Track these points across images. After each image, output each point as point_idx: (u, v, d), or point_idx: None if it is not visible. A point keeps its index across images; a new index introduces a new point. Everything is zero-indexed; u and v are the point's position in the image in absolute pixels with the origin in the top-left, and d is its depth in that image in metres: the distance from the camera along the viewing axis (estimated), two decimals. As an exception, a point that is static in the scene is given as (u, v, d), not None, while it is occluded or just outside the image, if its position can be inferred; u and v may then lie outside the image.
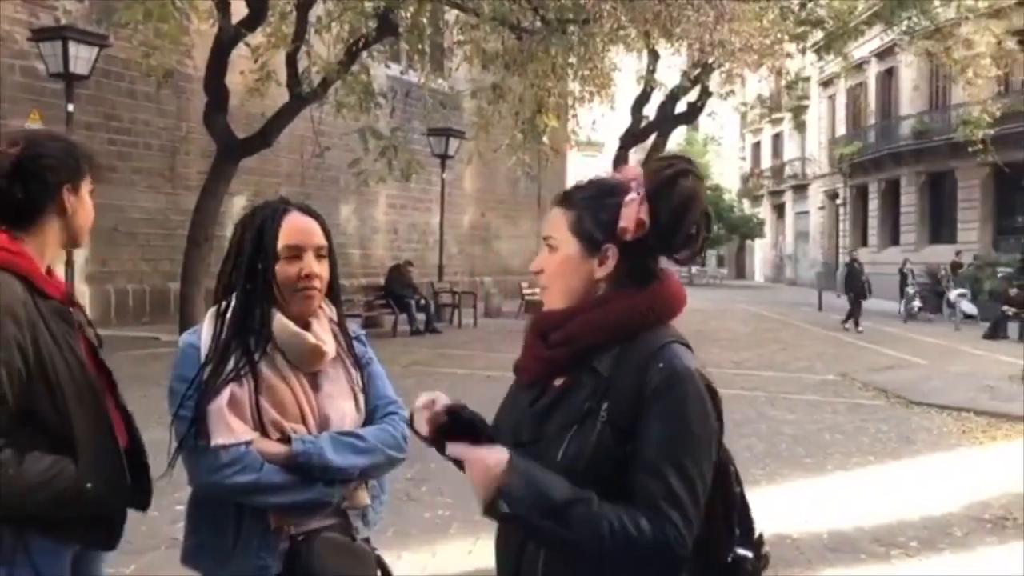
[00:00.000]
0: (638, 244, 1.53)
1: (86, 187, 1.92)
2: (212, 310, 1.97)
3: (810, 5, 19.44)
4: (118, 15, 10.96)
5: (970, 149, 19.11)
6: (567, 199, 1.61)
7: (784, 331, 18.22)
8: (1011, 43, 16.54)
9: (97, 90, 13.48)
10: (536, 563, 1.51)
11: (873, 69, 31.38)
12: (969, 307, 20.43)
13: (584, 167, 38.34)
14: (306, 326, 1.93)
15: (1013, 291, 18.77)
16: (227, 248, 1.98)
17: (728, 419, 1.58)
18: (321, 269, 1.94)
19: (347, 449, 1.89)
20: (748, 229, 44.28)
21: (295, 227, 1.92)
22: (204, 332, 1.94)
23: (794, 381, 11.11)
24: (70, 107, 11.51)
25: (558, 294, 1.59)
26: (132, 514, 2.04)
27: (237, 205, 15.77)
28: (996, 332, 17.29)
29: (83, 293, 12.82)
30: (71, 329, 1.87)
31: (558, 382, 1.57)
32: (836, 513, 5.45)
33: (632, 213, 1.51)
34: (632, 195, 1.53)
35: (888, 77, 30.87)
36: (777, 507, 5.33)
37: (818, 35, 21.12)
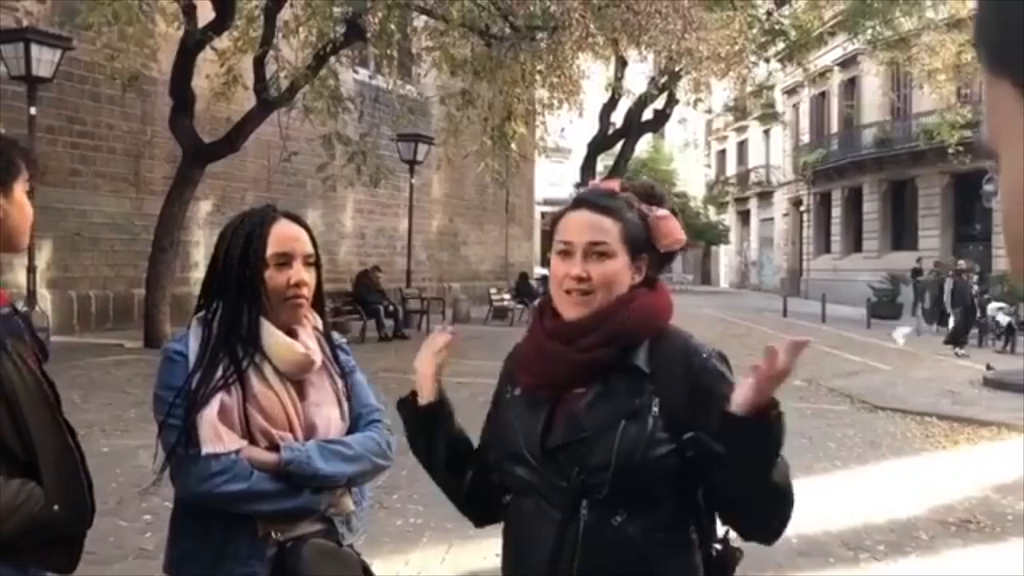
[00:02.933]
0: (657, 257, 1.66)
1: (20, 187, 1.82)
2: (197, 318, 1.95)
3: (775, 14, 19.70)
4: (82, 17, 10.82)
5: (949, 151, 19.47)
6: (605, 207, 1.63)
7: (750, 337, 18.36)
8: (969, 56, 16.84)
9: (60, 93, 13.27)
10: (572, 562, 1.53)
11: (836, 78, 31.82)
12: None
13: (552, 174, 38.52)
14: (292, 334, 1.93)
15: (975, 298, 19.10)
16: (212, 254, 1.97)
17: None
18: (309, 277, 1.93)
19: (334, 457, 1.90)
20: (713, 235, 44.66)
21: (284, 235, 1.91)
22: (191, 340, 1.92)
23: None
24: (32, 110, 11.31)
25: (600, 302, 1.59)
26: (99, 525, 2.01)
27: (203, 210, 15.61)
28: (956, 338, 17.56)
29: (44, 298, 12.59)
30: (19, 340, 1.80)
31: (579, 389, 1.60)
32: (805, 517, 5.46)
33: (676, 230, 1.65)
34: (664, 211, 1.66)
35: (851, 86, 31.32)
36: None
37: (782, 45, 21.40)
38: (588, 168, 21.15)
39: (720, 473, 1.49)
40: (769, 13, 19.55)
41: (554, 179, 38.24)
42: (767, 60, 21.95)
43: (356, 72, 17.16)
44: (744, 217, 45.74)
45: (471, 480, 1.75)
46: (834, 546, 5.01)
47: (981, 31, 0.36)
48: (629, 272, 1.61)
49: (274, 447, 1.86)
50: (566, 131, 17.52)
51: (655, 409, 1.54)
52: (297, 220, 1.98)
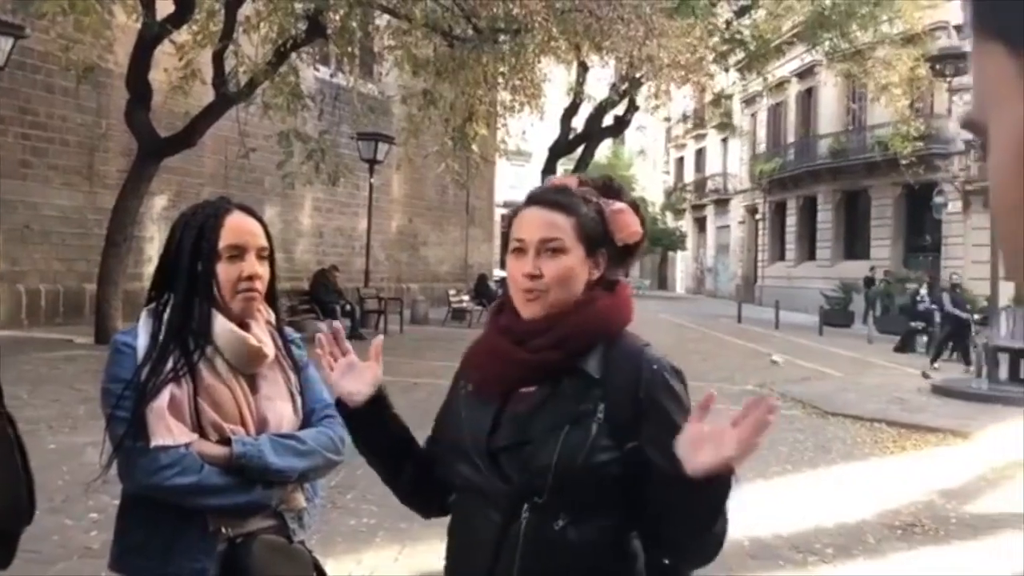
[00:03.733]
0: (615, 252, 1.63)
1: None
2: (147, 310, 1.93)
3: (735, 24, 19.95)
4: (36, 5, 10.59)
5: (902, 162, 19.85)
6: (559, 203, 1.61)
7: (705, 342, 18.56)
8: (923, 69, 17.22)
9: (11, 83, 12.98)
10: (512, 565, 1.51)
11: (794, 88, 32.31)
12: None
13: (513, 176, 38.57)
14: (245, 328, 1.91)
15: (922, 307, 19.51)
16: (164, 246, 1.94)
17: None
18: (262, 270, 1.92)
19: (286, 451, 1.88)
20: (671, 241, 45.07)
21: (237, 227, 1.89)
22: (140, 332, 1.90)
23: (715, 391, 11.32)
24: (-18, 99, 11.07)
25: (554, 300, 1.57)
26: (43, 523, 1.97)
27: (158, 205, 15.37)
28: (905, 346, 17.93)
29: (-9, 292, 12.32)
30: None
31: (526, 389, 1.59)
32: (756, 520, 5.56)
33: (633, 221, 1.62)
34: (620, 204, 1.63)
35: (808, 97, 31.82)
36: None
37: (742, 54, 21.68)
38: (549, 171, 21.21)
39: (657, 507, 1.47)
40: (729, 22, 19.80)
41: (515, 182, 38.32)
42: (726, 69, 22.22)
43: (317, 69, 17.02)
44: (701, 224, 46.22)
45: (414, 474, 1.73)
46: (784, 549, 5.08)
47: None
48: (585, 267, 1.59)
49: (225, 441, 1.83)
50: (527, 134, 17.55)
51: (600, 415, 1.52)
52: (251, 213, 1.96)
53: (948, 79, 15.60)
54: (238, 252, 1.88)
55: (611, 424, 1.51)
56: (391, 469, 1.76)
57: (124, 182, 12.66)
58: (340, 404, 1.72)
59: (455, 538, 1.66)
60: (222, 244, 1.87)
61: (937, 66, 15.89)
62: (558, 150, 21.59)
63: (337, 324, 1.79)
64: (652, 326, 21.80)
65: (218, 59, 11.95)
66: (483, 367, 1.65)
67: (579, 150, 22.11)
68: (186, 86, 11.79)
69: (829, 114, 29.87)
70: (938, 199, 20.89)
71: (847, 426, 9.27)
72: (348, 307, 16.19)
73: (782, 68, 28.68)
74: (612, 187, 1.69)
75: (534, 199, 1.64)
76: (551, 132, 21.48)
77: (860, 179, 28.12)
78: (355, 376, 1.72)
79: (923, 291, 18.40)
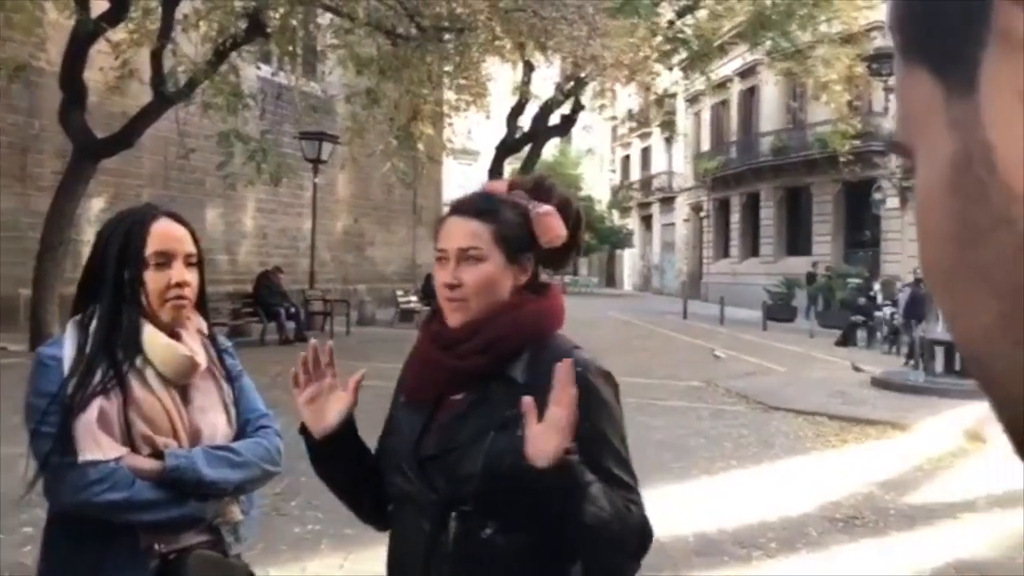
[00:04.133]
0: (543, 254, 1.63)
1: None
2: (72, 321, 1.88)
3: (678, 23, 20.13)
4: (-37, 3, 10.28)
5: (841, 160, 20.24)
6: (476, 210, 1.61)
7: (651, 339, 18.74)
8: (861, 68, 17.57)
9: (-62, 82, 12.57)
10: (442, 574, 1.51)
11: (736, 87, 32.76)
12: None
13: (460, 175, 38.48)
14: (175, 337, 1.87)
15: (861, 301, 19.95)
16: (89, 255, 1.89)
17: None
18: (191, 277, 1.88)
19: (221, 463, 1.84)
20: (618, 239, 45.42)
21: (165, 233, 1.86)
22: (66, 344, 1.84)
23: (661, 387, 11.43)
24: (-93, 99, 10.70)
25: (476, 307, 1.57)
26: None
27: (95, 207, 15.01)
28: (847, 340, 18.30)
29: (-80, 299, 11.91)
30: None
31: (456, 396, 1.58)
32: (701, 516, 5.62)
33: (556, 224, 1.60)
34: (546, 207, 1.61)
35: (750, 95, 32.29)
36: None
37: (684, 53, 21.89)
38: (496, 171, 21.21)
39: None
40: (671, 22, 19.97)
41: (463, 181, 38.15)
42: (670, 68, 22.42)
43: (259, 68, 16.79)
44: (647, 222, 46.65)
45: (375, 498, 1.71)
46: (728, 544, 5.14)
47: (896, 14, 0.34)
48: (509, 273, 1.59)
49: (157, 455, 1.79)
50: (474, 133, 17.55)
51: None
52: (178, 219, 1.92)
53: (884, 78, 15.96)
54: (165, 259, 1.84)
55: None
56: (353, 498, 1.75)
57: (59, 184, 12.34)
58: (304, 431, 1.67)
59: (391, 548, 1.65)
60: (149, 251, 1.82)
61: (873, 65, 16.26)
62: (505, 149, 21.59)
63: (330, 344, 1.72)
64: (600, 324, 21.94)
65: (156, 58, 11.70)
66: (415, 375, 1.65)
67: (526, 149, 22.13)
68: (123, 86, 11.56)
69: (770, 112, 30.36)
70: (876, 195, 21.35)
71: (790, 420, 9.42)
72: (293, 309, 15.99)
73: (725, 67, 29.04)
74: (543, 187, 1.68)
75: (456, 208, 1.65)
76: (498, 131, 21.47)
77: (801, 176, 28.62)
78: (324, 405, 1.65)
79: (876, 287, 18.38)
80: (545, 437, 1.39)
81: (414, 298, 20.74)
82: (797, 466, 7.32)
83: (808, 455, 7.80)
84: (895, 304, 16.90)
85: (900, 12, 0.34)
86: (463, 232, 1.59)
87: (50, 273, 11.88)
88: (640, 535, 1.55)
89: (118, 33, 11.40)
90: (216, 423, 1.91)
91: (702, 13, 20.71)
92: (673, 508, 5.80)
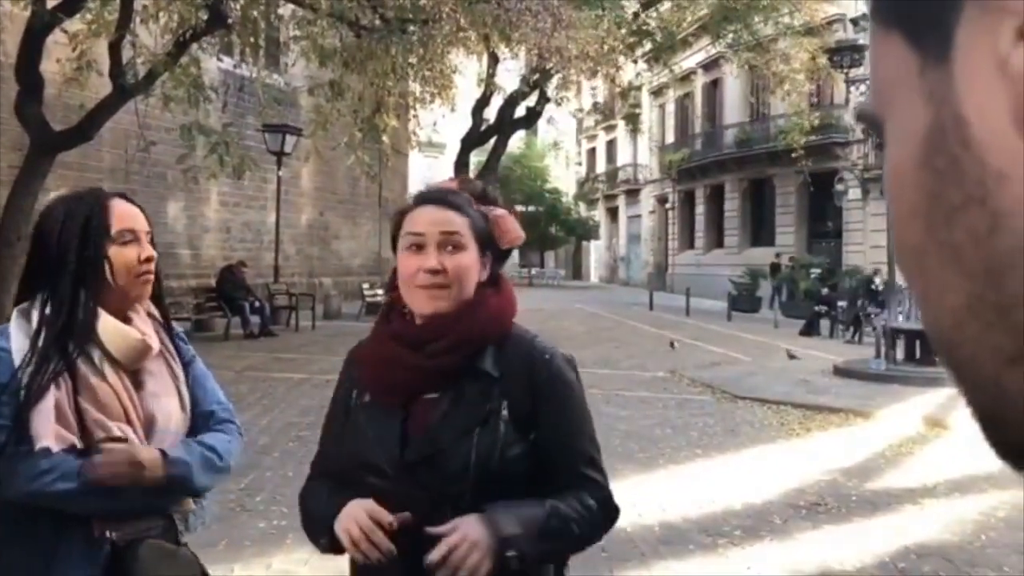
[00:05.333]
0: (497, 254, 1.67)
1: None
2: (18, 310, 1.85)
3: (642, 16, 20.19)
4: (-87, -8, 10.02)
5: (794, 155, 20.45)
6: (455, 204, 1.62)
7: (618, 330, 18.83)
8: (823, 59, 17.75)
9: None
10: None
11: (700, 79, 32.93)
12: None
13: (426, 168, 38.32)
14: (126, 321, 1.85)
15: (824, 291, 20.20)
16: (36, 242, 1.87)
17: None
18: (155, 254, 1.91)
19: (210, 469, 1.86)
20: (584, 231, 45.55)
21: (126, 212, 1.87)
22: (13, 333, 1.81)
23: (627, 378, 11.49)
24: None
25: (456, 295, 1.58)
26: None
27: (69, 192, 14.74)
28: (810, 329, 18.52)
29: None
30: None
31: (429, 395, 1.58)
32: (667, 506, 5.67)
33: (515, 226, 1.66)
34: (502, 211, 1.68)
35: (714, 88, 32.48)
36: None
37: (649, 46, 21.98)
38: (462, 163, 21.15)
39: None
40: (636, 14, 20.02)
41: (429, 174, 38.04)
42: (635, 61, 22.49)
43: (220, 60, 16.55)
44: (613, 214, 46.82)
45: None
46: (694, 533, 5.19)
47: None
48: (479, 266, 1.62)
49: (113, 439, 1.76)
50: (439, 126, 17.46)
51: (505, 413, 1.56)
52: (130, 200, 1.95)
53: (845, 70, 16.15)
54: (133, 235, 1.85)
55: (515, 419, 1.56)
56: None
57: (16, 178, 12.10)
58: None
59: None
60: (115, 229, 1.82)
61: (835, 58, 16.44)
62: (471, 142, 21.54)
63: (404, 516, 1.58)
64: (567, 315, 22.01)
65: (115, 49, 11.48)
66: (380, 376, 1.64)
67: (492, 141, 22.09)
68: (81, 77, 11.33)
69: (734, 105, 30.57)
70: (839, 187, 21.58)
71: (755, 409, 9.52)
72: (257, 304, 15.85)
73: (688, 60, 29.20)
74: (487, 196, 1.72)
75: (427, 198, 1.66)
76: (463, 124, 21.40)
77: (765, 168, 28.88)
78: None
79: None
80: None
81: (380, 291, 20.62)
82: (762, 454, 7.40)
83: (772, 443, 7.89)
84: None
85: None
86: (444, 219, 1.59)
87: (9, 270, 11.63)
88: (606, 518, 1.63)
89: (75, 24, 11.17)
90: (170, 408, 1.90)
91: (666, 5, 20.80)
92: (639, 498, 5.84)
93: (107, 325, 1.81)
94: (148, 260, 1.86)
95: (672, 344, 14.91)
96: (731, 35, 20.07)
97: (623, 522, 5.38)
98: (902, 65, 0.31)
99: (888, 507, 5.81)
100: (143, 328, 1.88)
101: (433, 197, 1.65)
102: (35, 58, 11.41)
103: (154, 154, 13.52)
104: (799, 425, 8.71)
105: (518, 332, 1.67)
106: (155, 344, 1.88)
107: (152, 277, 1.88)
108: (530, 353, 1.62)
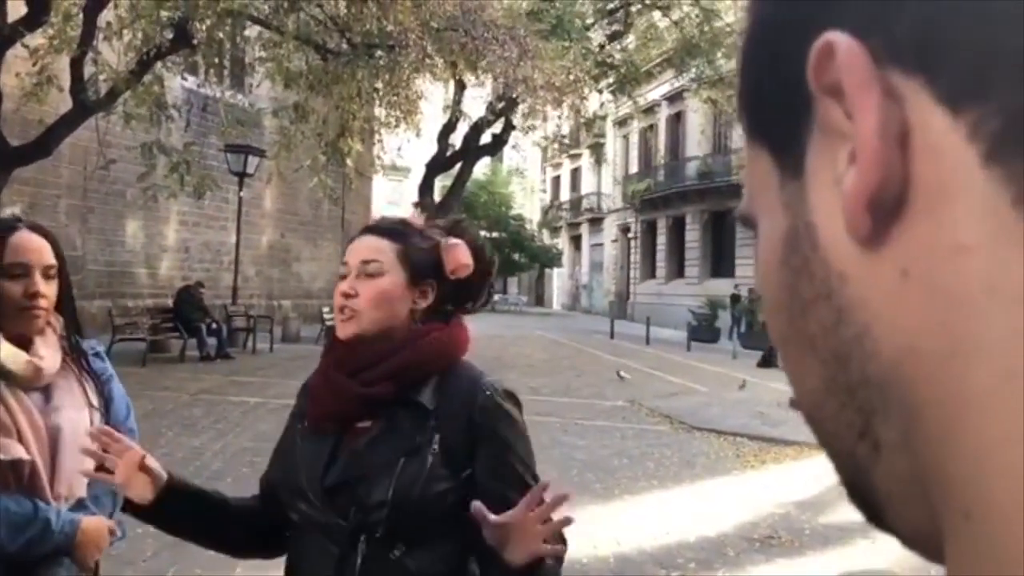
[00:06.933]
0: (448, 286, 1.65)
1: None
2: None
3: (608, 48, 20.46)
4: None
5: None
6: (385, 230, 1.64)
7: (578, 358, 18.87)
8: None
9: None
10: None
11: (664, 112, 33.36)
12: None
13: (391, 192, 38.26)
14: (27, 344, 1.92)
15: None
16: None
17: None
18: (48, 289, 1.93)
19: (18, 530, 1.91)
20: (547, 259, 45.75)
21: (21, 245, 1.90)
22: None
23: (586, 407, 11.51)
24: None
25: (369, 320, 1.58)
26: None
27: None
28: (768, 361, 18.70)
29: None
30: None
31: (363, 424, 1.59)
32: (622, 536, 5.67)
33: (463, 256, 1.64)
34: (455, 240, 1.66)
35: (677, 120, 32.92)
36: (568, 532, 5.47)
37: (613, 77, 22.26)
38: (426, 188, 21.19)
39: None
40: (602, 46, 20.29)
41: (393, 197, 38.10)
42: (600, 91, 22.75)
43: (185, 79, 16.47)
44: (576, 242, 47.10)
45: (240, 532, 1.73)
46: (648, 565, 5.19)
47: (740, 99, 0.36)
48: (407, 295, 1.62)
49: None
50: (404, 150, 17.47)
51: (435, 446, 1.54)
52: (41, 231, 1.98)
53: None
54: (22, 270, 1.89)
55: (446, 454, 1.55)
56: (211, 541, 1.76)
57: (-30, 193, 11.89)
58: (129, 503, 1.64)
59: (291, 571, 1.65)
60: (5, 262, 1.87)
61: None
62: (436, 167, 21.58)
63: (104, 429, 1.72)
64: (528, 342, 22.03)
65: (76, 65, 11.37)
66: (320, 401, 1.64)
67: (457, 167, 22.16)
68: (41, 93, 11.19)
69: (697, 137, 31.00)
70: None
71: (711, 441, 9.57)
72: (214, 325, 15.65)
73: (653, 92, 29.59)
74: (459, 227, 1.72)
75: (367, 228, 1.68)
76: (429, 149, 21.46)
77: (726, 200, 29.24)
78: (135, 479, 1.61)
79: None
80: (528, 539, 1.44)
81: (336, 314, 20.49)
82: (717, 486, 7.44)
83: (728, 475, 7.93)
84: None
85: (743, 98, 0.36)
86: (367, 247, 1.62)
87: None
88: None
89: (36, 38, 11.05)
90: (76, 419, 1.96)
91: (631, 39, 21.11)
92: (595, 528, 5.84)
93: (1, 349, 1.88)
94: (33, 296, 1.89)
95: (619, 374, 14.88)
96: (694, 70, 20.40)
97: (578, 554, 5.36)
98: (767, 176, 0.34)
99: (841, 540, 5.86)
100: (42, 351, 1.94)
101: (371, 227, 1.67)
102: (-6, 72, 11.25)
103: (113, 172, 13.39)
104: (754, 457, 8.77)
105: (465, 367, 1.65)
106: (49, 366, 1.94)
107: (40, 312, 1.92)
108: (471, 389, 1.60)
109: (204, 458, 7.34)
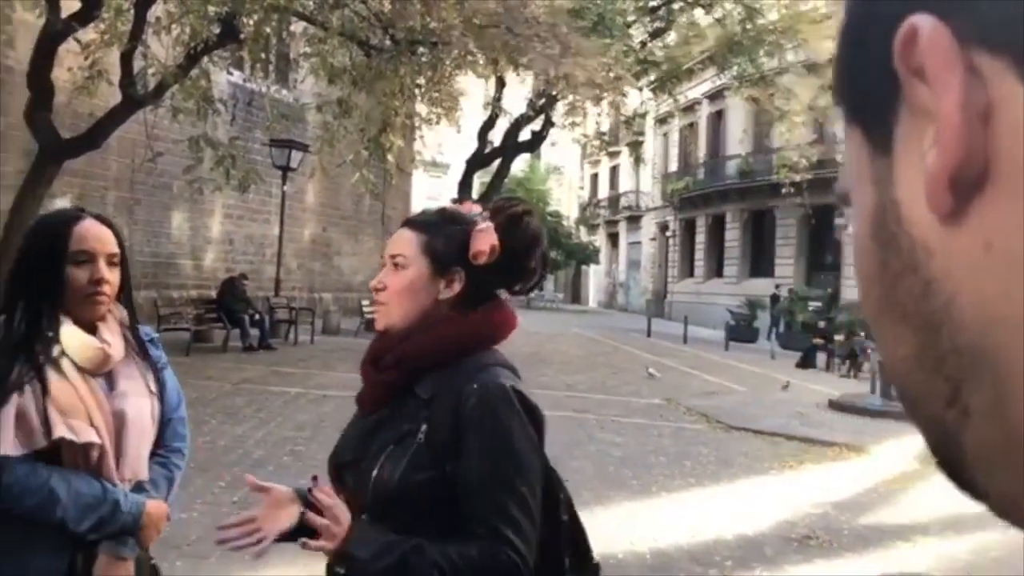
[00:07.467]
0: (482, 271, 1.63)
1: None
2: (1, 320, 1.97)
3: (649, 45, 20.37)
4: (-70, -3, 10.13)
5: (783, 191, 20.58)
6: (415, 222, 1.71)
7: (615, 355, 18.84)
8: (823, 100, 17.88)
9: (-99, 76, 12.37)
10: None
11: (704, 110, 33.12)
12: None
13: (430, 188, 38.46)
14: (93, 330, 1.98)
15: (821, 324, 20.23)
16: (16, 256, 2.02)
17: (559, 441, 1.72)
18: (112, 276, 1.99)
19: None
20: (584, 256, 45.63)
21: (88, 233, 1.97)
22: None
23: (623, 404, 11.51)
24: None
25: (398, 312, 1.64)
26: None
27: (59, 208, 14.82)
28: (807, 362, 18.53)
29: None
30: None
31: (384, 409, 1.66)
32: (659, 534, 5.69)
33: (487, 239, 1.61)
34: (485, 224, 1.64)
35: (718, 119, 32.67)
36: (605, 528, 5.50)
37: (654, 75, 22.16)
38: (465, 184, 21.27)
39: None
40: (644, 43, 20.21)
41: (432, 193, 38.23)
42: (640, 89, 22.66)
43: (231, 74, 16.71)
44: (614, 239, 46.94)
45: None
46: (684, 562, 5.20)
47: (836, 83, 0.38)
48: (434, 284, 1.65)
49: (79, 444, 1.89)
50: (444, 146, 17.60)
51: (421, 436, 1.55)
52: (105, 222, 2.05)
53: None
54: (88, 257, 1.95)
55: (431, 445, 1.55)
56: None
57: (22, 184, 12.17)
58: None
59: None
60: (71, 249, 1.94)
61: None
62: (475, 163, 21.65)
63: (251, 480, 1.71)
64: (565, 339, 22.04)
65: (126, 60, 11.60)
66: (361, 391, 1.73)
67: (496, 163, 22.22)
68: (91, 86, 11.43)
69: (738, 135, 30.74)
70: (838, 220, 21.67)
71: (749, 440, 9.53)
72: (257, 317, 15.88)
73: (694, 90, 29.40)
74: (497, 208, 1.70)
75: (403, 222, 1.75)
76: (469, 145, 21.54)
77: (766, 200, 28.97)
78: (276, 517, 1.62)
79: None
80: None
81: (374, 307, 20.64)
82: (754, 485, 7.42)
83: (766, 475, 7.90)
84: None
85: (839, 82, 0.39)
86: (397, 241, 1.69)
87: (10, 273, 11.70)
88: (493, 573, 1.49)
89: (88, 33, 11.28)
90: (141, 406, 2.04)
91: (673, 36, 20.99)
92: (631, 524, 5.87)
93: (71, 334, 1.94)
94: (98, 282, 1.95)
95: (649, 372, 14.77)
96: (736, 68, 20.24)
97: (615, 549, 5.39)
98: (860, 153, 0.37)
99: (879, 542, 5.83)
100: (108, 337, 2.00)
101: (407, 220, 1.75)
102: (47, 66, 11.51)
103: (160, 164, 13.62)
104: (793, 457, 8.72)
105: (477, 359, 1.63)
106: (116, 352, 2.00)
107: (104, 299, 1.98)
108: (468, 382, 1.57)
109: (247, 446, 7.47)
